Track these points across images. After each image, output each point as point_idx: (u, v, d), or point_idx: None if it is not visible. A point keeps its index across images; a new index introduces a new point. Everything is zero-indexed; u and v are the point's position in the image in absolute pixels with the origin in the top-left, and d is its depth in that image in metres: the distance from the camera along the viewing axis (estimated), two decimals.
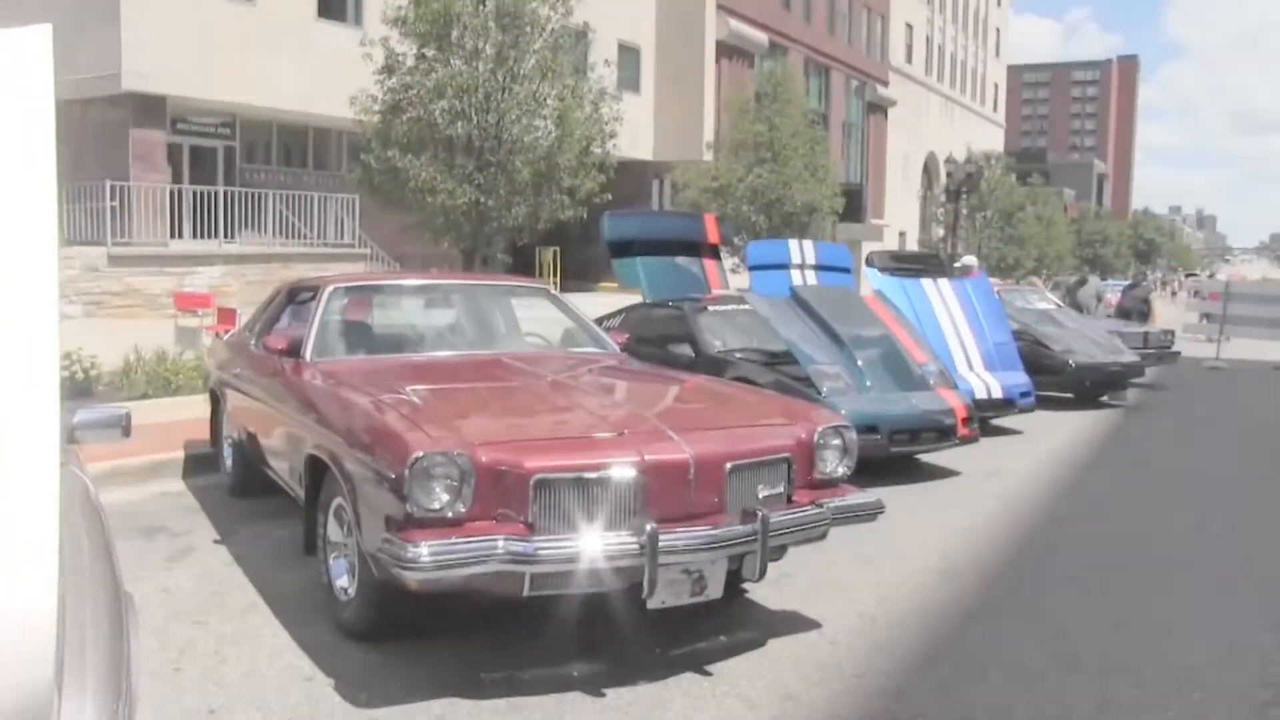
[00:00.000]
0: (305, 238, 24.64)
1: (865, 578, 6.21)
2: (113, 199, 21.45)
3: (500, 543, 4.20)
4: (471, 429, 4.54)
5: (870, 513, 5.11)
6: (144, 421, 10.37)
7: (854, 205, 40.64)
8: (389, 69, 15.65)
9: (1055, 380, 14.07)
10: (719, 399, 5.56)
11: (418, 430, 4.45)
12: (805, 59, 41.44)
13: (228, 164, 25.96)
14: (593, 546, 4.29)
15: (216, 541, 6.82)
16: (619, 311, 11.91)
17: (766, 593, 5.82)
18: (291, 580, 5.94)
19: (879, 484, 8.73)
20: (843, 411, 8.51)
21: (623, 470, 4.39)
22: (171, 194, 23.06)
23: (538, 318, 7.48)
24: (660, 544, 4.27)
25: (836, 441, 5.10)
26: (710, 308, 10.79)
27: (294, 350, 6.28)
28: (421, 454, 4.25)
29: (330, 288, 6.69)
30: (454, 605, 5.05)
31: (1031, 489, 8.82)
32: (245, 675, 4.68)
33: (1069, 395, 14.47)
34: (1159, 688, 4.67)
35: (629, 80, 34.23)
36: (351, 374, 5.76)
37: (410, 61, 15.55)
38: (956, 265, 13.89)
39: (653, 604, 4.43)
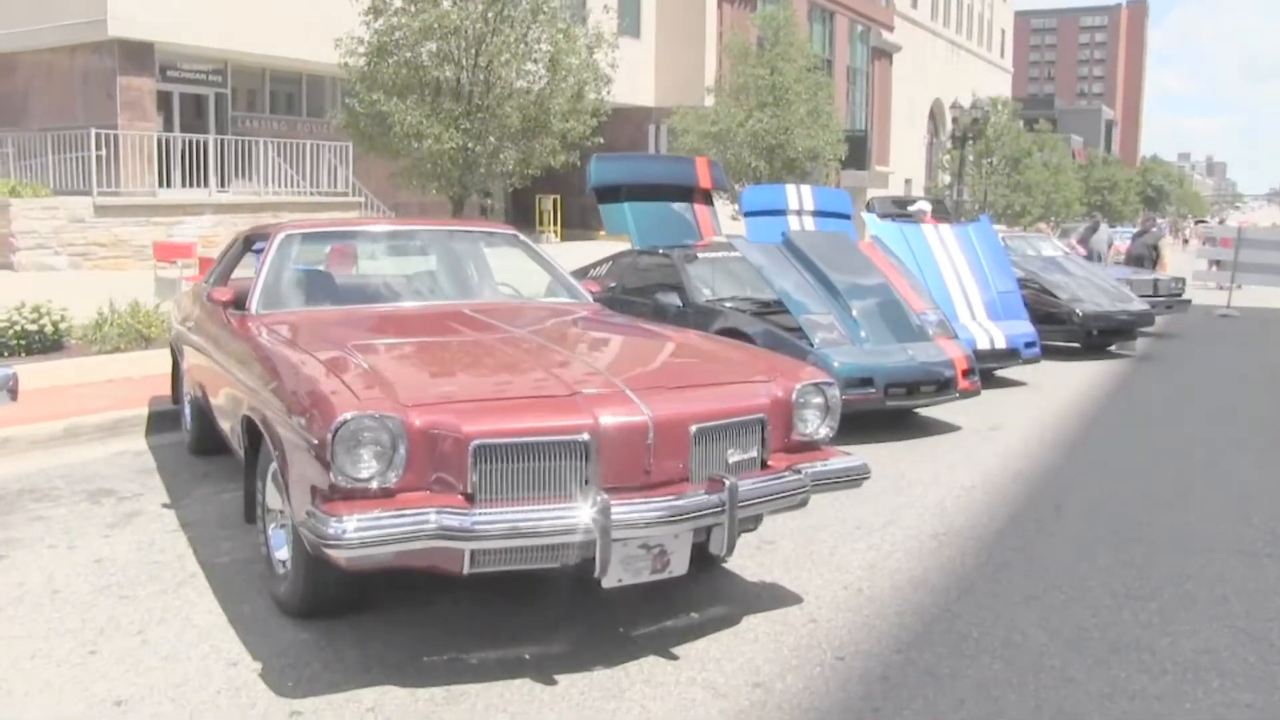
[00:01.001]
0: (298, 186, 24.11)
1: (853, 544, 5.76)
2: (100, 148, 20.90)
3: (433, 516, 3.76)
4: (407, 389, 4.08)
5: (854, 478, 4.66)
6: (113, 376, 10.08)
7: (858, 152, 40.05)
8: (375, 10, 15.08)
9: (1062, 330, 13.57)
10: (690, 355, 5.08)
11: (345, 391, 4.00)
12: (809, 4, 40.52)
13: (219, 112, 25.39)
14: (537, 520, 3.85)
15: (165, 505, 6.41)
16: (607, 259, 11.43)
17: (744, 562, 5.39)
18: (235, 550, 5.54)
19: (873, 440, 8.41)
20: (836, 363, 8.14)
21: (572, 435, 3.94)
22: (161, 142, 22.51)
23: (510, 267, 7.01)
24: (613, 517, 3.83)
25: (818, 400, 4.64)
26: (700, 255, 10.31)
27: (239, 303, 5.84)
28: (347, 417, 3.81)
29: (281, 234, 6.23)
30: (398, 578, 4.63)
31: (1035, 445, 8.36)
32: (165, 659, 4.27)
33: (1076, 345, 13.96)
34: (1173, 671, 4.22)
35: (629, 25, 33.37)
36: (296, 328, 5.32)
37: (398, 3, 14.96)
38: (911, 209, 13.30)
39: (607, 583, 4.00)
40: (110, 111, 22.33)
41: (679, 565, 4.13)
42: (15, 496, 6.63)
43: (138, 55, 22.52)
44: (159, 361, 9.69)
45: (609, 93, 15.47)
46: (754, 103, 21.80)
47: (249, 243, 6.92)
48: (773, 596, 4.97)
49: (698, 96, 28.09)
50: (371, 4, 15.17)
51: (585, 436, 3.94)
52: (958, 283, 11.39)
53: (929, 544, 5.79)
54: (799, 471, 4.39)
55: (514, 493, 3.93)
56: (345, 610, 4.61)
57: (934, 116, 55.63)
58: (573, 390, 4.13)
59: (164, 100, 24.22)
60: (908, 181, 50.65)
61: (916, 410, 9.21)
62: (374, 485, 3.84)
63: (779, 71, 21.47)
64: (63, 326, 10.79)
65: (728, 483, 4.02)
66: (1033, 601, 4.93)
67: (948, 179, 40.01)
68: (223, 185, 23.41)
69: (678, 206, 11.55)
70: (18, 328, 10.48)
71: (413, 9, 14.54)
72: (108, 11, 21.37)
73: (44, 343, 10.57)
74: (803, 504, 4.61)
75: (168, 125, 23.97)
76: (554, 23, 14.62)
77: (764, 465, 4.41)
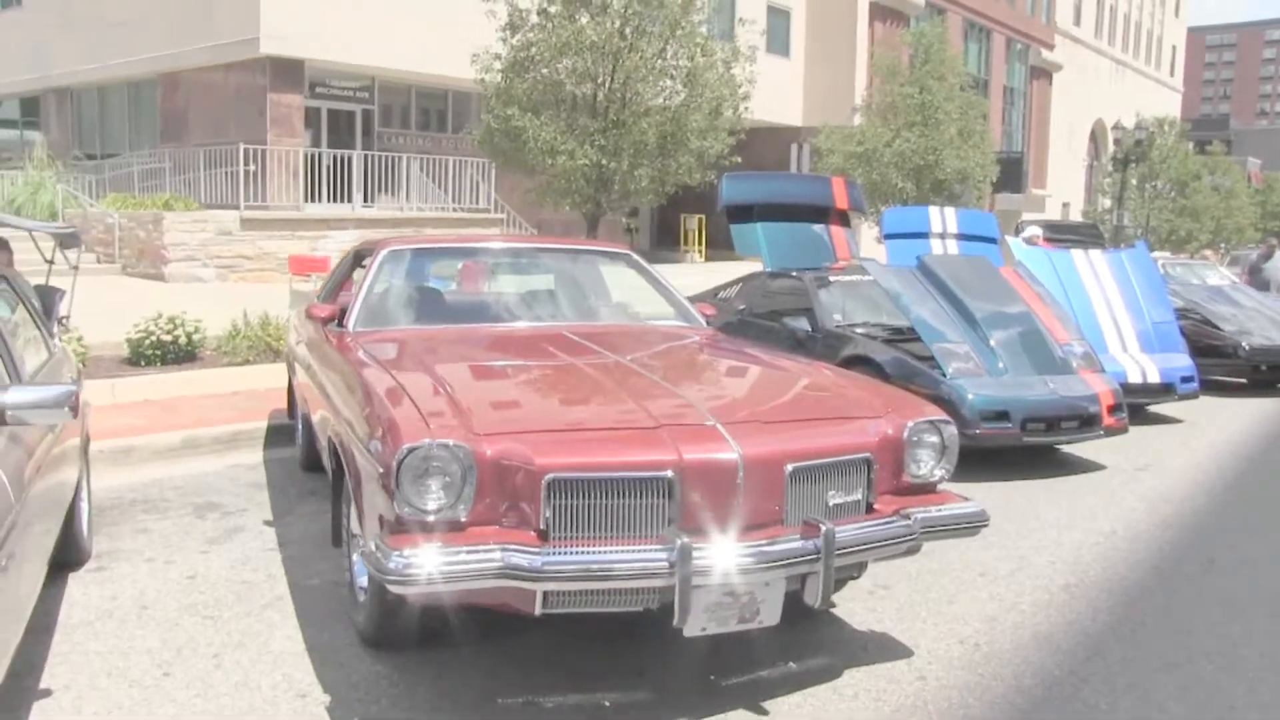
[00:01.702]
0: (441, 202, 24.37)
1: (975, 593, 5.32)
2: (249, 163, 21.47)
3: (500, 554, 3.50)
4: (482, 417, 3.83)
5: (970, 526, 4.24)
6: (239, 389, 10.16)
7: (1013, 174, 38.85)
8: (513, 26, 15.06)
9: (1226, 364, 12.67)
10: (797, 386, 4.72)
11: (416, 417, 3.77)
12: (964, 21, 39.50)
13: (365, 127, 25.83)
14: (612, 561, 3.55)
15: (267, 522, 6.32)
16: (737, 280, 11.11)
17: (854, 608, 5.01)
18: (326, 572, 5.39)
19: (1009, 477, 7.90)
20: (970, 395, 7.67)
21: (654, 471, 3.64)
22: (308, 158, 22.99)
23: (626, 285, 6.74)
24: (694, 562, 3.51)
25: (933, 439, 4.24)
26: (832, 278, 9.91)
27: (337, 319, 5.71)
28: (414, 445, 3.58)
29: (385, 250, 6.09)
30: (481, 610, 4.39)
31: (1187, 490, 7.73)
32: (236, 686, 4.11)
33: (1242, 381, 13.05)
34: None
35: (778, 43, 33.12)
36: (389, 347, 5.14)
37: (535, 19, 14.92)
38: (1023, 234, 12.59)
39: (689, 631, 3.68)
40: (261, 128, 22.89)
41: (770, 615, 3.79)
42: (127, 506, 6.64)
43: (288, 72, 23.04)
44: (284, 375, 9.73)
45: (748, 110, 15.13)
46: (902, 122, 21.21)
47: (359, 258, 6.80)
48: (880, 648, 4.58)
49: (846, 116, 27.59)
50: (509, 20, 15.16)
51: (669, 474, 3.64)
52: (1108, 312, 10.74)
53: (1059, 596, 5.31)
54: (908, 517, 4.00)
55: (591, 531, 3.64)
56: (422, 643, 4.39)
57: (1095, 138, 53.74)
58: (659, 423, 3.82)
59: (313, 116, 24.74)
60: (1065, 205, 48.98)
61: (1058, 448, 8.65)
62: (442, 518, 3.60)
63: (928, 90, 20.84)
64: (196, 338, 10.95)
65: (824, 528, 3.66)
66: (1174, 670, 4.43)
67: (1108, 203, 38.46)
68: (367, 201, 23.79)
69: (812, 228, 11.18)
70: (154, 338, 10.66)
71: (550, 25, 14.48)
72: (260, 30, 21.91)
73: (178, 353, 10.74)
74: (911, 552, 4.23)
75: (315, 141, 24.46)
76: (692, 38, 14.37)
77: (869, 509, 4.04)
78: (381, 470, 3.65)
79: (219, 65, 23.77)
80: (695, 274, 19.01)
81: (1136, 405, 10.29)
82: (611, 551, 3.59)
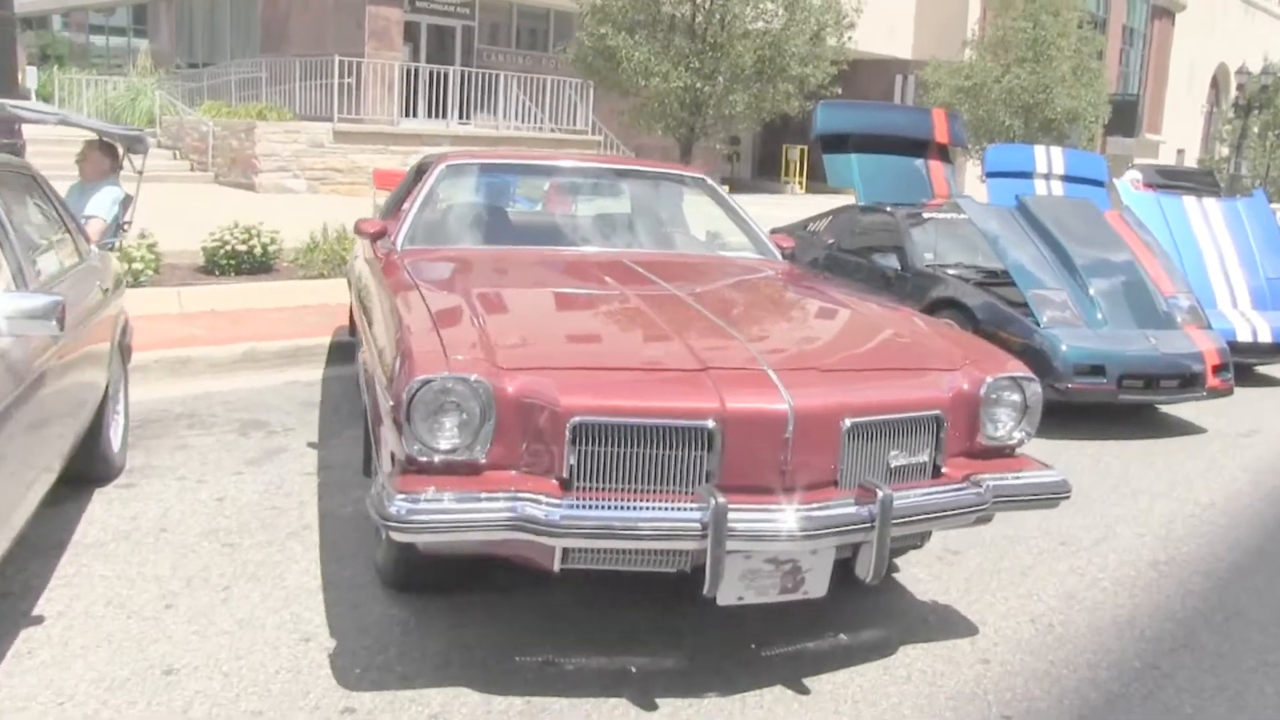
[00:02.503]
0: (538, 122, 23.99)
1: (1053, 565, 4.87)
2: (347, 75, 21.27)
3: (512, 504, 3.16)
4: (510, 350, 3.47)
5: (1051, 498, 3.78)
6: (309, 303, 9.94)
7: (1127, 117, 37.27)
8: None
9: None
10: (868, 332, 4.27)
11: (435, 348, 3.42)
12: None
13: (466, 44, 25.47)
14: (637, 519, 3.19)
15: (311, 445, 6.08)
16: (827, 213, 10.59)
17: (919, 574, 4.61)
18: (361, 501, 5.08)
19: (1102, 436, 7.37)
20: (1064, 346, 7.15)
21: (693, 420, 3.25)
22: (406, 72, 22.72)
23: (703, 213, 6.31)
24: (730, 524, 3.14)
25: (1014, 397, 3.79)
26: (926, 215, 9.35)
27: (384, 235, 5.39)
28: (428, 378, 3.24)
29: (442, 165, 5.74)
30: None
31: None
32: (239, 624, 3.85)
33: None
34: None
35: None
36: (432, 268, 4.80)
37: None
38: (1125, 177, 11.76)
39: (723, 600, 3.31)
40: (359, 40, 22.66)
41: (816, 586, 3.40)
42: (173, 421, 6.45)
43: None
44: None
45: (852, 39, 14.44)
46: (1012, 58, 20.24)
47: (421, 173, 6.46)
48: (943, 623, 4.17)
49: (957, 50, 26.47)
50: None
51: (710, 423, 3.24)
52: (1219, 265, 10.03)
53: (1146, 574, 4.83)
54: (980, 484, 3.56)
55: (619, 482, 3.28)
56: (444, 588, 4.10)
57: (1217, 83, 51.20)
58: (705, 366, 3.43)
59: (412, 31, 24.45)
60: (1180, 152, 46.87)
61: (1157, 407, 8.07)
62: (457, 459, 3.26)
63: (1042, 25, 19.78)
64: (272, 249, 10.80)
65: (880, 494, 3.25)
66: (1271, 670, 3.96)
67: (1225, 151, 36.63)
68: (464, 118, 23.51)
69: (910, 161, 10.58)
70: (228, 248, 10.53)
71: None
72: None
73: (253, 264, 10.60)
74: (983, 521, 3.80)
75: (414, 56, 24.19)
76: None
77: (937, 472, 3.61)
78: (392, 403, 3.32)
79: None
80: (793, 205, 18.41)
81: (1245, 365, 9.64)
82: (639, 508, 3.22)
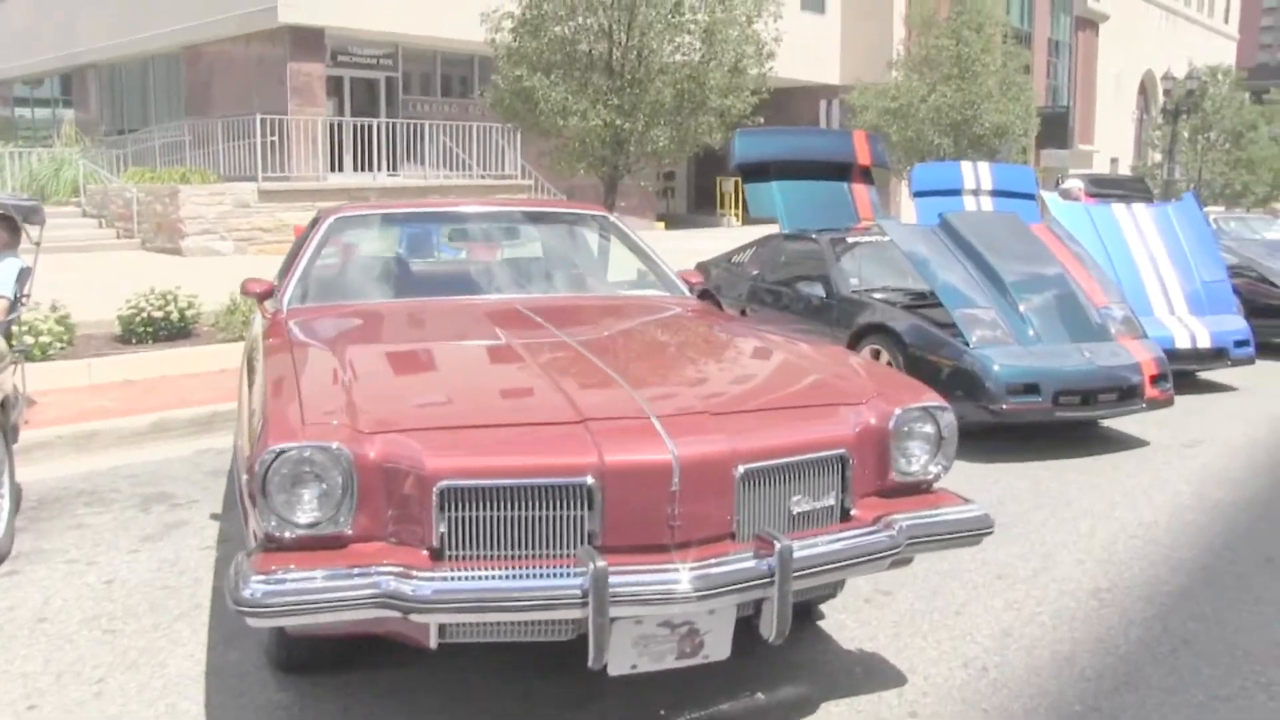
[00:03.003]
0: (467, 169, 23.76)
1: (988, 600, 4.61)
2: (270, 134, 20.99)
3: (374, 579, 2.86)
4: (373, 411, 3.18)
5: (970, 535, 3.52)
6: (230, 365, 9.58)
7: (1059, 129, 37.57)
8: None
9: None
10: (768, 368, 4.03)
11: (291, 415, 3.14)
12: None
13: (389, 95, 25.19)
14: (512, 589, 2.91)
15: (214, 516, 5.77)
16: (752, 244, 10.39)
17: (844, 620, 4.34)
18: None
19: (1041, 456, 7.14)
20: (996, 366, 6.95)
21: (569, 477, 2.98)
22: (330, 127, 22.43)
23: (604, 253, 6.06)
24: (614, 589, 2.86)
25: (925, 429, 3.54)
26: (851, 240, 9.16)
27: (271, 295, 5.10)
28: (282, 448, 2.95)
29: (330, 218, 5.46)
30: None
31: (1242, 470, 6.95)
32: None
33: None
34: None
35: (812, 1, 32.08)
36: (316, 327, 4.50)
37: None
38: (1061, 186, 11.71)
39: (615, 669, 3.03)
40: (282, 98, 22.35)
41: (717, 649, 3.12)
42: (71, 499, 6.11)
43: (308, 41, 22.44)
44: None
45: (771, 68, 14.30)
46: (938, 76, 20.22)
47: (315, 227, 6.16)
48: (869, 673, 3.90)
49: (883, 72, 26.53)
50: None
51: (588, 479, 2.97)
52: (1154, 272, 9.91)
53: (1086, 604, 4.59)
54: (891, 526, 3.30)
55: (496, 548, 3.01)
56: (337, 666, 3.79)
57: (1145, 90, 51.90)
58: (583, 417, 3.15)
59: (336, 85, 24.17)
60: (1114, 160, 47.40)
61: (1098, 422, 7.88)
62: (320, 533, 2.98)
63: (965, 41, 19.81)
64: (190, 314, 10.45)
65: (778, 545, 2.99)
66: (1223, 705, 3.71)
67: (1158, 157, 36.99)
68: (393, 169, 23.24)
69: (833, 186, 10.41)
70: (144, 315, 10.18)
71: None
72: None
73: (170, 330, 10.24)
74: (900, 565, 3.54)
75: (339, 110, 23.91)
76: None
77: (846, 515, 3.35)
78: (247, 476, 3.03)
79: (239, 36, 23.27)
80: (729, 237, 18.23)
81: (1186, 372, 9.51)
82: (516, 576, 2.94)
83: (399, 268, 5.47)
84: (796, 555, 3.02)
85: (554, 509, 3.00)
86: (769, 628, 3.05)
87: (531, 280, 5.41)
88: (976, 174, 11.79)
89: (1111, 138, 47.55)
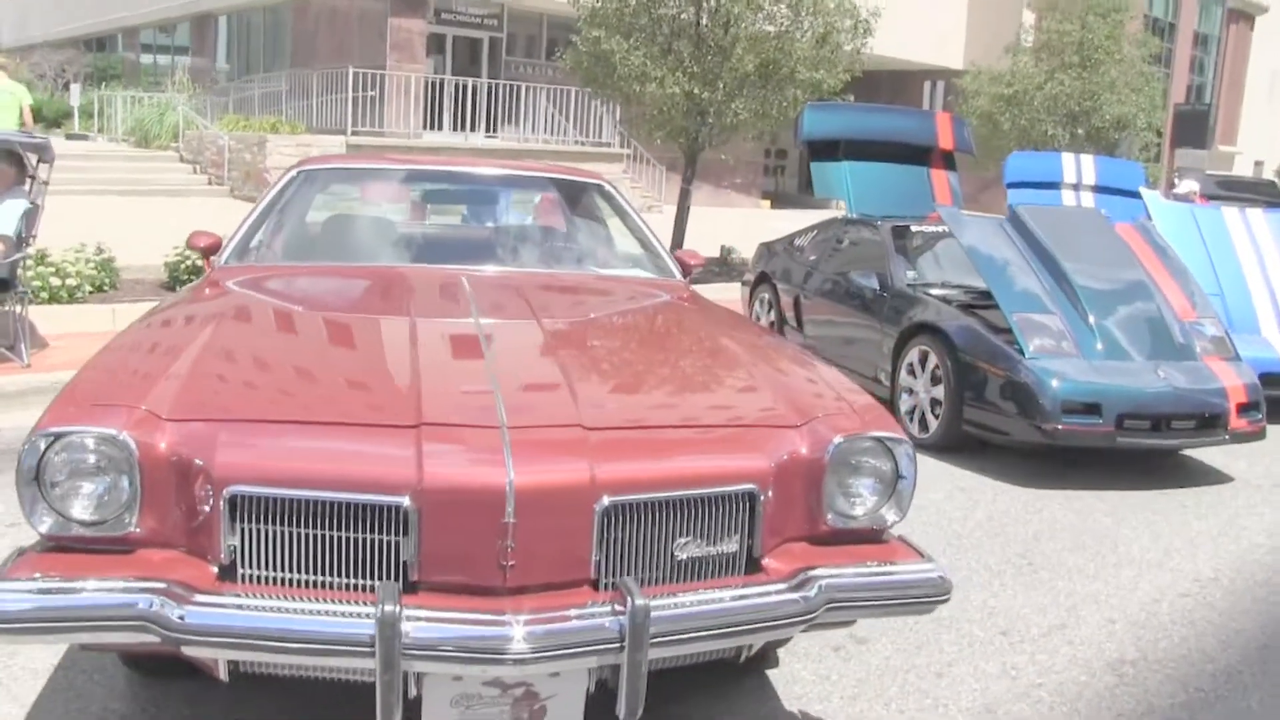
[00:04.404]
0: (566, 134, 23.27)
1: (983, 662, 3.87)
2: (369, 89, 20.75)
3: (131, 597, 2.32)
4: (182, 396, 2.62)
5: (915, 601, 2.81)
6: None
7: (1197, 128, 35.62)
8: None
9: None
10: (699, 377, 3.30)
11: (86, 394, 2.66)
12: None
13: (492, 56, 24.77)
14: (290, 629, 2.32)
15: None
16: (813, 227, 9.62)
17: (804, 670, 3.66)
18: None
19: (1098, 486, 6.33)
20: (1054, 381, 6.13)
21: (383, 495, 2.37)
22: (428, 84, 22.09)
23: (598, 224, 5.39)
24: (413, 637, 2.25)
25: (877, 464, 2.83)
26: (915, 229, 8.35)
27: (217, 250, 4.58)
28: (59, 431, 2.46)
29: (296, 170, 4.90)
30: None
31: None
32: None
33: None
34: None
35: None
36: (230, 290, 3.95)
37: None
38: (1177, 190, 10.62)
39: None
40: (382, 53, 22.08)
41: (566, 716, 2.48)
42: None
43: None
44: None
45: (867, 43, 13.39)
46: (1057, 63, 18.99)
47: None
48: None
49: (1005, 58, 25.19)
50: None
51: (405, 500, 2.35)
52: (1264, 284, 8.88)
53: (1101, 680, 3.81)
54: (808, 584, 2.61)
55: (295, 571, 2.43)
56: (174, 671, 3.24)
57: None
58: (420, 421, 2.53)
59: (439, 43, 23.83)
60: (1258, 164, 44.87)
61: (1181, 451, 6.99)
62: (101, 533, 2.47)
63: (1089, 27, 18.51)
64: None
65: (631, 602, 2.33)
66: None
67: None
68: (491, 130, 22.88)
69: (911, 169, 9.61)
70: (189, 263, 9.90)
71: None
72: None
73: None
74: (827, 628, 2.86)
75: (440, 68, 23.57)
76: None
77: (753, 565, 2.68)
78: (23, 465, 2.49)
79: None
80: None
81: None
82: (305, 610, 2.35)
83: (356, 228, 4.87)
84: (658, 616, 2.37)
85: (364, 532, 2.40)
86: (620, 706, 2.39)
87: (498, 251, 4.77)
88: (1078, 167, 10.85)
89: (1259, 139, 45.02)
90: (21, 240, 7.39)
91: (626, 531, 2.50)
